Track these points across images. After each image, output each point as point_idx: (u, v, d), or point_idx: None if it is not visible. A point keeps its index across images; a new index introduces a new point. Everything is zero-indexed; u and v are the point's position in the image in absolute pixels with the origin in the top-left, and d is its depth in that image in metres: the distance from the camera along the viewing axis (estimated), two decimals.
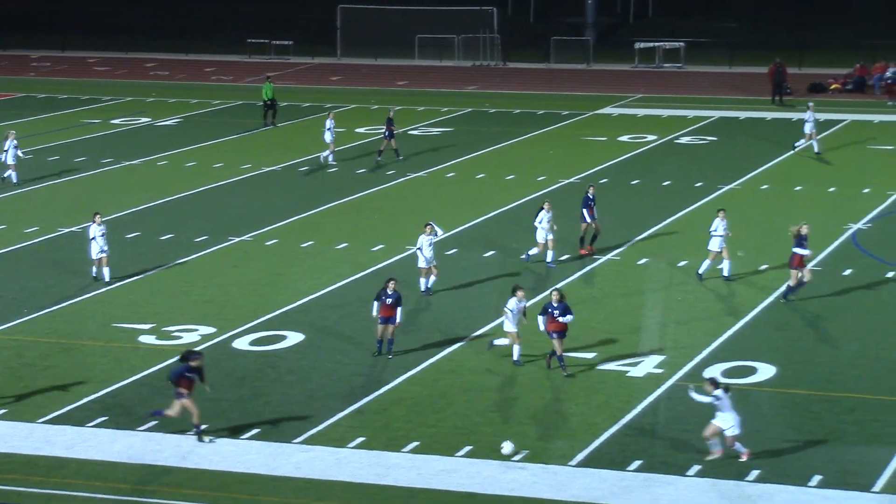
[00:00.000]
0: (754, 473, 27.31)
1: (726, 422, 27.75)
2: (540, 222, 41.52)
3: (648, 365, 33.30)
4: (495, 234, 46.05)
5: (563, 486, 26.91)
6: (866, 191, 50.88)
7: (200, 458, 28.61)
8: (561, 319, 32.52)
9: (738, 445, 27.75)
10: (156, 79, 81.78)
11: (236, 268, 42.50)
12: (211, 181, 54.05)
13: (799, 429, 29.81)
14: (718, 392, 27.83)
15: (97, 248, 40.30)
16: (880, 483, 26.96)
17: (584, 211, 42.85)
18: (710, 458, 27.68)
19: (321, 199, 50.81)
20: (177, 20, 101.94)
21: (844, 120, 65.27)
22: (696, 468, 27.43)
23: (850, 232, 45.04)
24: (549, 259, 41.63)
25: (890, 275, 40.10)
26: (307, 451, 28.95)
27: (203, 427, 29.07)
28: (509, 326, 33.03)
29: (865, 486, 26.75)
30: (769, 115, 67.30)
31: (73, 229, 46.73)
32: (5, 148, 53.11)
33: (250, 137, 63.40)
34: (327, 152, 57.27)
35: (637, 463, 27.57)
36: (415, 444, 29.02)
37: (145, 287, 40.42)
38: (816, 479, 27.06)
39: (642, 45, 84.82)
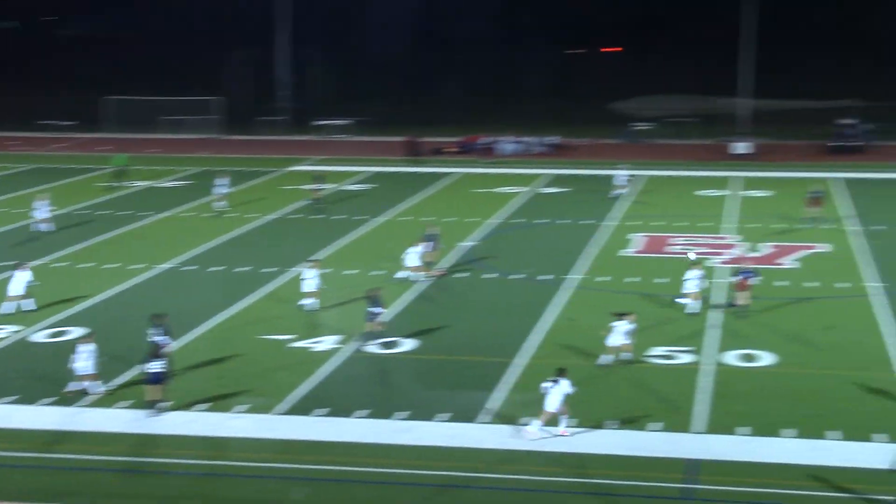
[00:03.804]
0: (405, 413, 27.48)
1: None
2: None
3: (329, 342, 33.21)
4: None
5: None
6: (474, 219, 52.14)
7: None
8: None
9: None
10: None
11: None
12: None
13: (434, 382, 30.04)
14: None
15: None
16: (486, 416, 27.29)
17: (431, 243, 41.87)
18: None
19: None
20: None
21: (455, 172, 66.93)
22: (364, 412, 27.48)
23: (464, 246, 46.32)
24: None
25: (485, 276, 41.15)
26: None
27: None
28: None
29: (470, 419, 27.05)
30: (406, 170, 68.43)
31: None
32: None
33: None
34: None
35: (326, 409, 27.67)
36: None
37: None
38: (446, 415, 27.18)
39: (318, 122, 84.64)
